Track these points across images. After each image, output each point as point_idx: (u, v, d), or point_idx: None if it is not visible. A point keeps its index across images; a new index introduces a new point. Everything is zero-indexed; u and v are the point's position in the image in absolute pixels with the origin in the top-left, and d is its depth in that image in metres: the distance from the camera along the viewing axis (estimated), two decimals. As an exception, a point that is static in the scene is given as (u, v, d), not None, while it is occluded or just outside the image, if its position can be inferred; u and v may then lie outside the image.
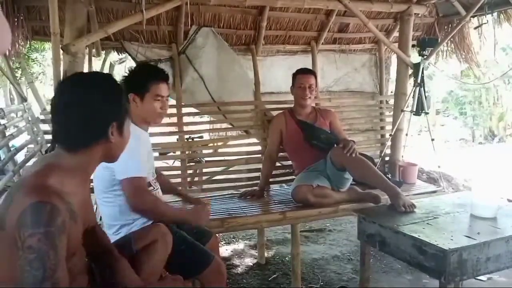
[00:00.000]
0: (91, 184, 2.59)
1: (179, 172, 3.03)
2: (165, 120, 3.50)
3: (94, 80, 1.20)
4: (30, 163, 3.36)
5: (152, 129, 2.22)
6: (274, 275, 2.89)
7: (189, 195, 2.50)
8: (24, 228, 0.96)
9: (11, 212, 0.99)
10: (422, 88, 3.18)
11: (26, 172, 1.15)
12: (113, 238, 1.71)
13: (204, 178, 3.29)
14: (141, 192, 1.75)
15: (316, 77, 2.93)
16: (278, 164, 3.14)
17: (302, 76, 2.88)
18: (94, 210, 2.52)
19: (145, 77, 1.90)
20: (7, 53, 3.11)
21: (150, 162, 1.97)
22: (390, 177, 3.07)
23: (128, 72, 1.95)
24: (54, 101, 1.16)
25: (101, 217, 2.34)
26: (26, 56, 7.44)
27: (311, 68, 3.48)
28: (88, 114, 1.12)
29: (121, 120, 1.19)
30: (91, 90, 1.14)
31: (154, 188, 1.97)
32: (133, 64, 2.96)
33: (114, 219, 1.82)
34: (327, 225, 3.86)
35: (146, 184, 1.83)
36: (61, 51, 2.41)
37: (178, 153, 3.18)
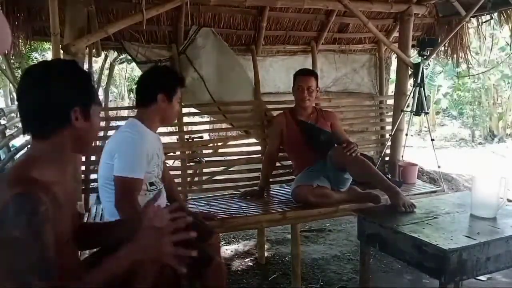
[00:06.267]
0: (94, 176, 2.63)
1: (179, 172, 3.02)
2: (165, 120, 3.52)
3: (55, 66, 1.19)
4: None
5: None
6: (274, 275, 2.89)
7: (191, 210, 2.44)
8: (7, 220, 0.95)
9: None
10: (422, 88, 3.19)
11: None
12: None
13: (204, 178, 3.29)
14: (128, 196, 1.75)
15: (316, 79, 2.90)
16: (278, 164, 3.13)
17: (301, 77, 2.85)
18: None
19: (176, 81, 2.02)
20: (7, 52, 3.11)
21: (155, 162, 1.97)
22: (390, 177, 3.07)
23: (157, 72, 2.07)
24: (17, 90, 1.15)
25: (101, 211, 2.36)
26: (26, 56, 7.43)
27: (311, 68, 3.48)
28: (47, 100, 1.09)
29: (85, 104, 1.15)
30: (50, 76, 1.12)
31: (157, 187, 1.97)
32: (134, 65, 2.96)
33: (111, 214, 1.83)
34: (327, 225, 3.86)
35: (140, 186, 1.82)
36: (61, 51, 2.42)
37: (178, 153, 3.18)
